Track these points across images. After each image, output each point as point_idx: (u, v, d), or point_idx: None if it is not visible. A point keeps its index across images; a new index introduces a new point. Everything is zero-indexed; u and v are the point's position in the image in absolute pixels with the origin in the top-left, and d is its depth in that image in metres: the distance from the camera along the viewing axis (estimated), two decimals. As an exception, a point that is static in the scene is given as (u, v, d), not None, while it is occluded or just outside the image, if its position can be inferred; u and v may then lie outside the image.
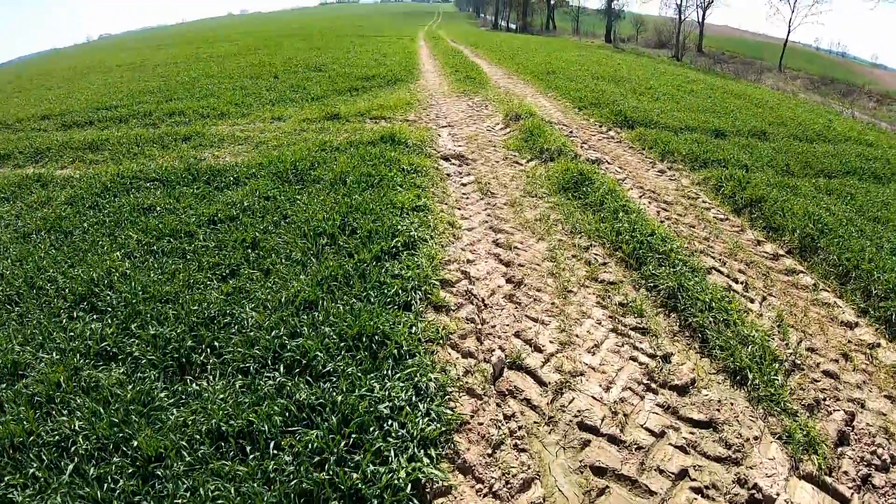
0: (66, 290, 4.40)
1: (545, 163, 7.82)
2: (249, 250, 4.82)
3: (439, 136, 8.99)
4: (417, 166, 6.67)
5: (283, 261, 4.60)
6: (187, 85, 15.66)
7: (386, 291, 3.96)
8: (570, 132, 9.78)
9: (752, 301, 4.65)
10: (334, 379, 3.18)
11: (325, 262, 4.40)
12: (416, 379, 3.15)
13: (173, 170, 7.09)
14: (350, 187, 5.89)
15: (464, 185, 6.80)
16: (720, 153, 8.73)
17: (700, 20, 52.54)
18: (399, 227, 4.85)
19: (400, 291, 3.95)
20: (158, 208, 5.95)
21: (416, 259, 4.40)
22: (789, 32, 51.71)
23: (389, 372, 3.21)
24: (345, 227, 4.94)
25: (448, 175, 7.04)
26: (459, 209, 6.01)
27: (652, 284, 4.63)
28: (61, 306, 4.22)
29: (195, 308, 4.01)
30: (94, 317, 4.09)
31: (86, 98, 15.22)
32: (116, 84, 17.84)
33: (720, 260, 5.33)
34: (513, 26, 76.69)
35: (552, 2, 70.75)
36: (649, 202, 6.76)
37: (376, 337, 3.44)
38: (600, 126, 10.68)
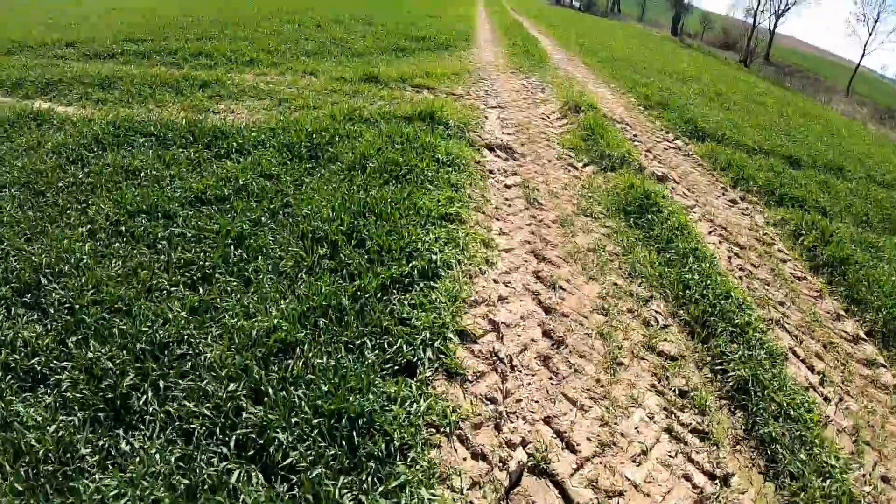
0: (13, 275, 3.63)
1: (605, 171, 6.72)
2: (232, 247, 3.95)
3: (486, 118, 7.90)
4: (455, 157, 5.65)
5: (269, 270, 3.72)
6: (223, 23, 14.76)
7: (387, 344, 3.04)
8: (635, 135, 8.58)
9: (828, 401, 3.74)
10: (293, 479, 2.31)
11: (318, 283, 3.49)
12: (402, 500, 2.26)
13: (174, 125, 6.23)
14: (370, 177, 4.92)
15: (507, 187, 5.77)
16: (798, 189, 7.63)
17: (771, 28, 49.51)
18: (419, 244, 3.88)
19: (405, 346, 3.02)
20: (143, 174, 5.10)
21: (433, 296, 3.45)
22: (863, 56, 49.24)
23: (369, 480, 2.32)
24: (352, 235, 3.99)
25: (490, 172, 6.00)
26: (498, 220, 5.00)
27: (720, 367, 3.68)
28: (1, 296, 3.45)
29: (148, 327, 3.19)
30: (35, 316, 3.33)
31: (116, 27, 14.49)
32: (150, 12, 17.05)
33: (797, 337, 4.37)
34: (576, 4, 74.77)
35: None
36: (720, 241, 5.73)
37: (361, 421, 2.53)
38: (667, 132, 9.44)
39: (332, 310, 3.27)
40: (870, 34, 49.21)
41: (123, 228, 4.26)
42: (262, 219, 4.30)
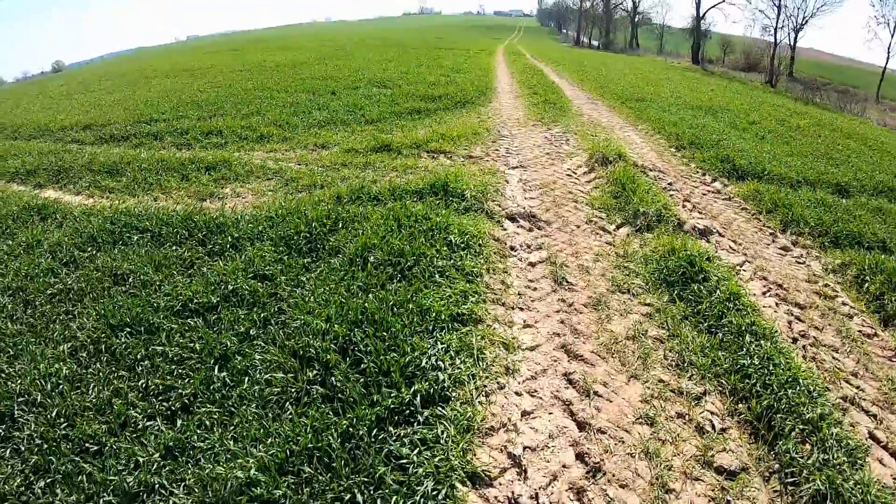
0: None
1: (640, 232, 6.25)
2: (216, 369, 3.60)
3: (506, 181, 7.57)
4: (471, 238, 5.25)
5: (254, 397, 3.34)
6: (239, 97, 15.08)
7: (381, 500, 2.58)
8: (670, 184, 8.10)
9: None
10: None
11: (305, 419, 3.09)
12: None
13: (170, 218, 6.07)
14: (371, 274, 4.54)
15: (531, 265, 5.33)
16: (852, 223, 7.01)
17: (792, 43, 48.97)
18: (423, 360, 3.43)
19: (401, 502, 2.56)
20: (132, 279, 4.88)
21: (439, 429, 2.98)
22: (888, 59, 48.07)
23: None
24: (346, 352, 3.59)
25: (512, 249, 5.58)
26: (522, 310, 4.55)
27: (791, 479, 3.09)
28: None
29: (119, 472, 2.88)
30: (6, 452, 3.12)
31: (134, 108, 14.96)
32: (170, 92, 17.64)
33: (876, 417, 3.77)
34: (595, 43, 76.42)
35: (636, 19, 68.97)
36: (777, 303, 5.15)
37: None
38: (703, 174, 8.95)
39: (320, 452, 2.85)
40: (892, 35, 48.15)
41: (104, 347, 4.00)
42: (251, 331, 3.95)
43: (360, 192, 6.67)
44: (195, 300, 4.36)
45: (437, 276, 4.50)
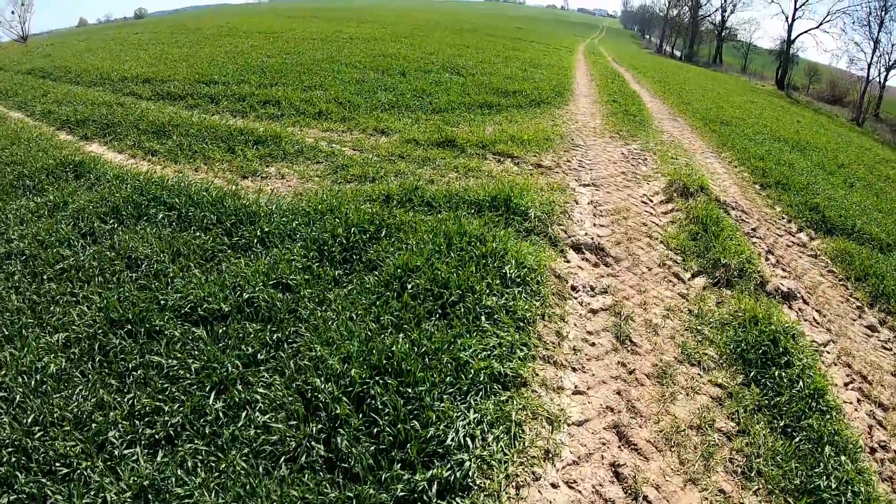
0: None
1: (718, 286, 5.53)
2: (211, 397, 3.17)
3: (576, 202, 6.90)
4: (529, 272, 4.64)
5: (247, 442, 2.89)
6: (305, 67, 14.81)
7: None
8: (753, 229, 7.27)
9: None
10: None
11: (297, 486, 2.61)
12: None
13: (201, 197, 5.73)
14: (408, 306, 3.99)
15: (593, 312, 4.70)
16: None
17: (882, 82, 45.09)
18: (450, 436, 2.87)
19: None
20: (145, 266, 4.54)
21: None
22: None
23: None
24: (362, 404, 3.08)
25: (573, 290, 4.94)
26: (575, 370, 3.94)
27: None
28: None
29: None
30: None
31: (198, 66, 14.91)
32: (238, 54, 17.55)
33: None
34: (678, 53, 74.57)
35: (722, 34, 66.07)
36: (859, 399, 4.46)
37: None
38: (788, 222, 8.09)
39: (306, 542, 2.36)
40: None
41: (99, 345, 3.65)
42: (260, 354, 3.50)
43: (412, 194, 6.15)
44: (206, 304, 3.94)
45: (483, 318, 3.92)
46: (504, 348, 3.68)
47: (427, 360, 3.43)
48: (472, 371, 3.31)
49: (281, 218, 5.29)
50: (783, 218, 8.17)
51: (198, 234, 5.02)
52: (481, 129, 9.82)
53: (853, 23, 44.82)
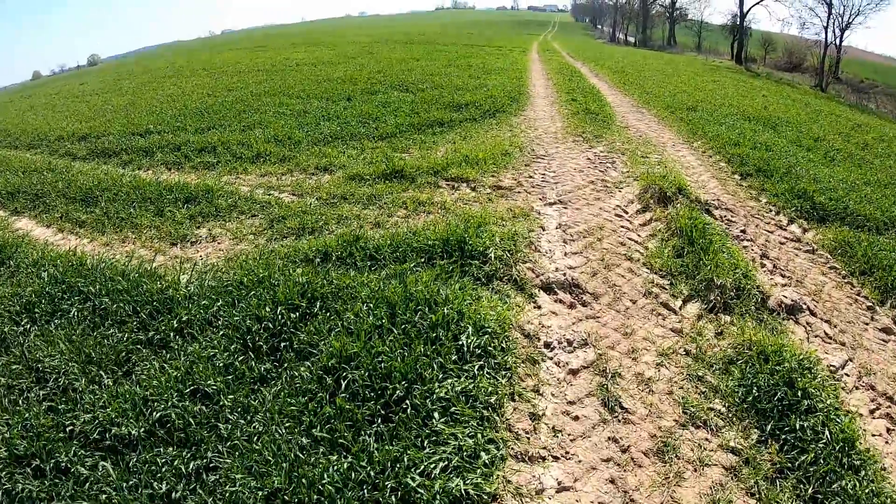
0: None
1: (714, 311, 4.74)
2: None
3: (542, 227, 6.08)
4: (491, 337, 3.81)
5: None
6: (246, 103, 13.89)
7: None
8: (742, 231, 6.50)
9: None
10: None
11: None
12: None
13: (119, 282, 4.82)
14: (343, 411, 3.11)
15: (573, 373, 3.86)
16: None
17: (838, 43, 45.13)
18: None
19: None
20: (52, 380, 3.64)
21: None
22: None
23: None
24: None
25: (547, 347, 4.09)
26: (557, 459, 3.10)
27: None
28: None
29: None
30: None
31: (135, 116, 13.94)
32: (178, 96, 16.56)
33: None
34: (631, 39, 75.08)
35: (674, 15, 66.35)
36: (888, 428, 3.72)
37: None
38: (777, 214, 7.34)
39: None
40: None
41: (3, 491, 2.79)
42: (175, 492, 2.64)
43: (353, 246, 5.28)
44: (115, 428, 3.07)
45: (436, 416, 3.05)
46: (465, 454, 2.83)
47: (366, 493, 2.57)
48: (426, 499, 2.45)
49: (202, 301, 4.40)
50: (770, 210, 7.42)
51: (112, 330, 4.11)
52: (433, 153, 8.99)
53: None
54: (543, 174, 7.91)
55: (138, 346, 4.01)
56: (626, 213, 6.69)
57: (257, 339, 3.88)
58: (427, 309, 3.99)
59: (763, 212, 7.35)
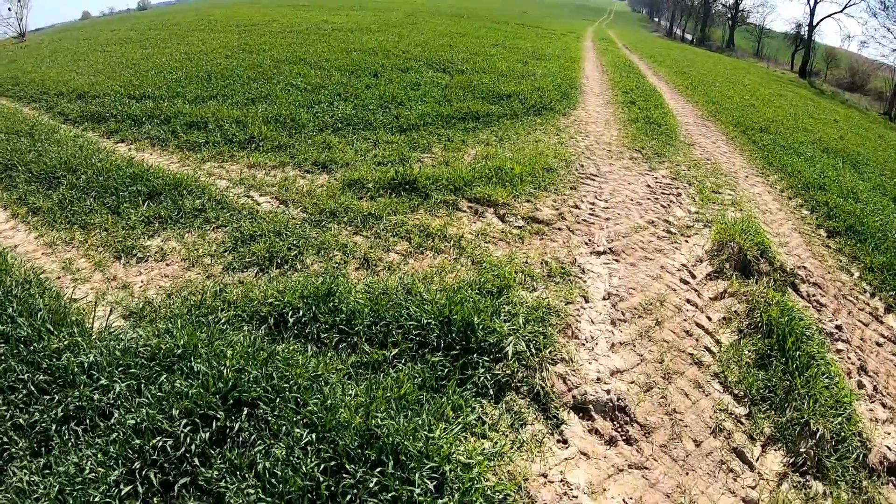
0: None
1: (805, 473, 3.24)
2: None
3: (585, 298, 4.45)
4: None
5: None
6: (261, 70, 12.38)
7: None
8: (838, 328, 4.80)
9: None
10: None
11: None
12: None
13: (15, 325, 3.46)
14: None
15: None
16: None
17: None
18: None
19: None
20: None
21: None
22: None
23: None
24: None
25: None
26: None
27: None
28: None
29: None
30: None
31: (141, 74, 12.59)
32: (194, 56, 15.10)
33: None
34: (688, 36, 72.05)
35: (735, 17, 62.46)
36: None
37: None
38: (872, 296, 5.68)
39: None
40: None
41: None
42: None
43: (321, 306, 3.82)
44: None
45: None
46: None
47: None
48: None
49: (101, 378, 3.02)
50: (865, 291, 5.72)
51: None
52: (459, 157, 7.41)
53: (883, 7, 40.73)
54: (592, 203, 6.27)
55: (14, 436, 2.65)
56: (694, 277, 5.05)
57: (148, 464, 2.46)
58: (392, 462, 2.49)
59: (856, 292, 5.66)
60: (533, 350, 3.58)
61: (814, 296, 5.20)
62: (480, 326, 3.57)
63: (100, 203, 5.90)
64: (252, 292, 4.12)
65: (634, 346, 3.98)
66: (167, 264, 4.84)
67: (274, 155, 7.33)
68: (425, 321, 3.66)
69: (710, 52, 48.50)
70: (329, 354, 3.45)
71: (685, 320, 4.37)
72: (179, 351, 3.27)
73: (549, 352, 3.66)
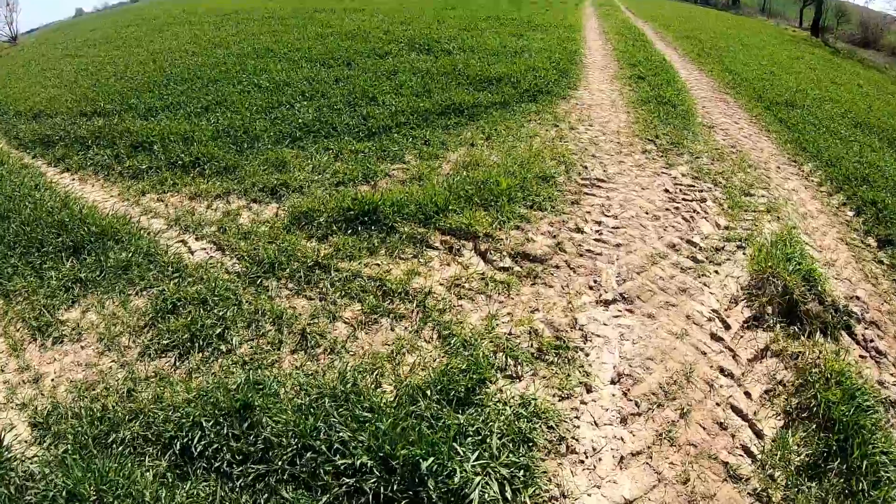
0: None
1: None
2: None
3: (587, 387, 3.31)
4: None
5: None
6: (222, 70, 11.15)
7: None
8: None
9: None
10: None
11: None
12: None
13: None
14: None
15: None
16: None
17: None
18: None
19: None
20: None
21: None
22: None
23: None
24: None
25: None
26: None
27: None
28: None
29: None
30: None
31: (101, 84, 11.49)
32: (162, 54, 13.96)
33: None
34: None
35: None
36: None
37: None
38: None
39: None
40: None
41: None
42: None
43: (238, 426, 2.94)
44: None
45: None
46: None
47: None
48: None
49: None
50: None
51: None
52: (435, 168, 6.29)
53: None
54: (599, 223, 5.12)
55: None
56: (729, 328, 3.92)
57: None
58: None
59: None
60: (510, 494, 2.53)
61: (871, 341, 4.03)
62: (433, 469, 2.51)
63: (24, 262, 4.98)
64: (164, 395, 3.16)
65: (651, 458, 2.90)
66: (82, 346, 3.96)
67: (219, 180, 6.28)
68: (359, 461, 2.60)
69: (717, 12, 46.45)
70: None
71: (718, 404, 3.26)
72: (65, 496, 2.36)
73: (533, 492, 2.59)
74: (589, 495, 2.68)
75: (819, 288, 4.22)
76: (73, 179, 7.03)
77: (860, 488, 2.73)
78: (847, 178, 6.85)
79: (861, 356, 3.84)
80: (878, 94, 15.99)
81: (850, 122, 10.14)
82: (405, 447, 2.63)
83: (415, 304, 3.98)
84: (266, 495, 2.63)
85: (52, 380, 3.63)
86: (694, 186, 6.03)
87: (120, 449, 2.91)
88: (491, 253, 4.63)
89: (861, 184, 6.68)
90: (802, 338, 3.79)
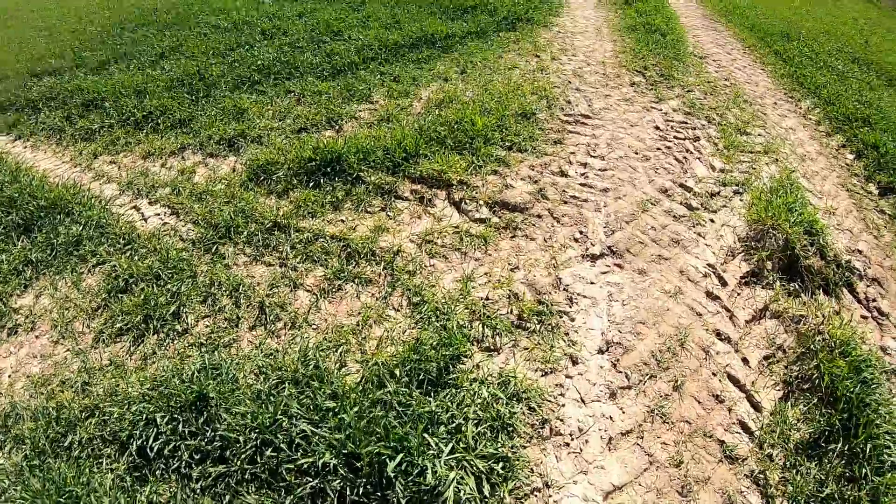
0: None
1: None
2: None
3: (573, 358, 3.01)
4: None
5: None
6: (175, 14, 10.29)
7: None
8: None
9: None
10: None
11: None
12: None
13: None
14: None
15: None
16: None
17: None
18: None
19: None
20: None
21: None
22: None
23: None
24: None
25: None
26: None
27: None
28: None
29: None
30: None
31: (57, 38, 10.58)
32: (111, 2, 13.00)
33: None
34: None
35: None
36: None
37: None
38: None
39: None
40: None
41: None
42: None
43: (194, 421, 2.74)
44: None
45: None
46: None
47: None
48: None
49: None
50: None
51: None
52: (406, 107, 5.80)
53: None
54: (584, 165, 4.71)
55: None
56: (725, 284, 3.59)
57: None
58: None
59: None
60: (487, 490, 2.25)
61: (873, 301, 3.73)
62: (401, 469, 2.22)
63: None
64: (119, 388, 2.88)
65: (642, 438, 2.64)
66: (37, 336, 3.63)
67: (174, 135, 5.78)
68: (321, 460, 2.31)
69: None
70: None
71: (714, 374, 2.98)
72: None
73: (513, 486, 2.31)
74: (575, 483, 2.42)
75: (821, 241, 3.88)
76: (25, 148, 6.48)
77: (863, 473, 2.46)
78: (847, 117, 6.42)
79: (863, 316, 3.55)
80: (873, 27, 15.12)
81: (847, 56, 9.50)
82: (371, 444, 2.33)
83: (382, 267, 3.62)
84: (228, 497, 2.39)
85: (10, 376, 3.34)
86: (686, 123, 5.58)
87: (77, 452, 2.67)
88: (466, 202, 4.24)
89: (861, 125, 6.24)
90: (803, 296, 3.48)
